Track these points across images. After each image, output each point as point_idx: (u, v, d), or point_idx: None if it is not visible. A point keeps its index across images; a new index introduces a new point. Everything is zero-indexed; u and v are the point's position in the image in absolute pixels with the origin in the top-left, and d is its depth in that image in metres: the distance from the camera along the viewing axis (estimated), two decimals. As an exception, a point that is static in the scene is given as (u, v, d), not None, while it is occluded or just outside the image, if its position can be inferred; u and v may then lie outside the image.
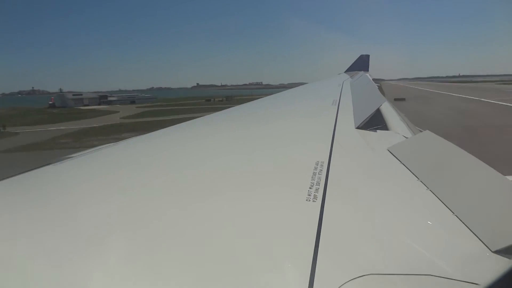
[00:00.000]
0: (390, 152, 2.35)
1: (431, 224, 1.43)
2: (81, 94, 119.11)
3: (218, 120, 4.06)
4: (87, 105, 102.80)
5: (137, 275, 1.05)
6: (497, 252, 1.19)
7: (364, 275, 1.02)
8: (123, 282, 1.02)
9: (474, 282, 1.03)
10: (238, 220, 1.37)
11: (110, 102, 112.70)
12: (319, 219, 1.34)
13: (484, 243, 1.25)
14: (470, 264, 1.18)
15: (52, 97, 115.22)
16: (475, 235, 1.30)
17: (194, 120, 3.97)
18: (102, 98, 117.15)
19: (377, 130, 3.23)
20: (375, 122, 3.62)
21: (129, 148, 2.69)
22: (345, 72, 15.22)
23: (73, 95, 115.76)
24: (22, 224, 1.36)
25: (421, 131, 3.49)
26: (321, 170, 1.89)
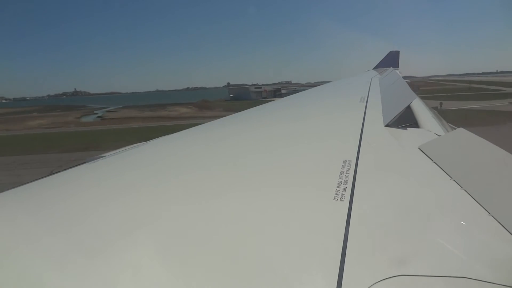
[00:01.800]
0: (421, 150, 2.23)
1: (465, 224, 1.35)
2: (261, 87, 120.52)
3: (247, 119, 4.03)
4: (265, 98, 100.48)
5: (170, 273, 1.03)
6: None
7: (394, 276, 0.99)
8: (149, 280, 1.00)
9: (510, 286, 0.98)
10: (265, 219, 1.33)
11: (282, 95, 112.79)
12: (347, 219, 1.30)
13: None
14: (507, 267, 1.10)
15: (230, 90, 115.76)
16: None
17: (221, 119, 3.97)
18: (277, 91, 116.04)
19: (408, 128, 3.07)
20: (405, 119, 3.46)
21: (158, 148, 2.70)
22: (373, 69, 14.64)
23: (255, 88, 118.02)
24: (54, 220, 1.36)
25: (454, 129, 3.27)
26: (348, 169, 1.82)
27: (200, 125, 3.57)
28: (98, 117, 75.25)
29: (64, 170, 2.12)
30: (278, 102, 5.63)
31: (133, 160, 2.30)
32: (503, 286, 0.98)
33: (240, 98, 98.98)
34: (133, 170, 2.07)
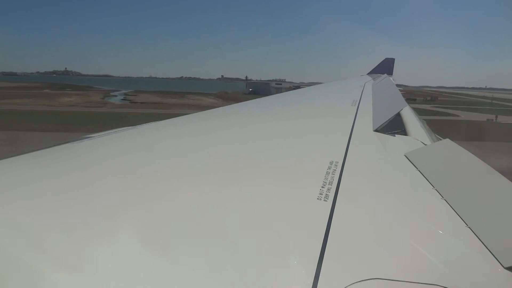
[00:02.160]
0: (407, 157, 2.25)
1: (442, 233, 1.37)
2: (281, 84, 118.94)
3: (237, 114, 3.98)
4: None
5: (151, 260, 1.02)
6: (510, 268, 1.13)
7: (369, 279, 0.99)
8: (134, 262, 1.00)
9: None
10: (246, 216, 1.33)
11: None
12: (328, 218, 1.30)
13: (496, 258, 1.18)
14: (479, 278, 1.12)
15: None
16: (488, 249, 1.23)
17: (209, 110, 3.91)
18: (295, 88, 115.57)
19: (396, 135, 3.09)
20: (394, 126, 3.48)
21: (150, 132, 2.65)
22: (368, 74, 14.73)
23: (276, 84, 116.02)
24: (36, 197, 1.34)
25: (440, 139, 3.31)
26: (334, 170, 1.83)
27: (188, 115, 3.52)
28: (123, 99, 74.43)
29: (47, 147, 2.05)
30: (269, 100, 5.59)
31: (118, 143, 2.25)
32: None
33: (260, 93, 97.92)
34: (116, 153, 2.02)
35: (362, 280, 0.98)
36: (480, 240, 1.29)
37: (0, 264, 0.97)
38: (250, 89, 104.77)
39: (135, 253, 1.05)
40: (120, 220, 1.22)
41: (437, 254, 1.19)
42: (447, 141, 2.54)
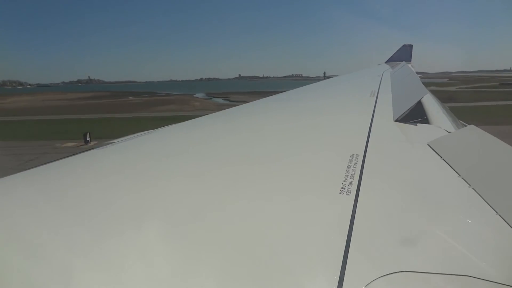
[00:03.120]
0: (431, 147, 2.17)
1: (471, 223, 1.32)
2: None
3: (256, 111, 3.96)
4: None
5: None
6: None
7: (397, 272, 0.97)
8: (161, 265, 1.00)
9: None
10: (270, 212, 1.31)
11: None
12: (352, 213, 1.27)
13: None
14: (510, 266, 1.07)
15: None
16: None
17: (231, 109, 3.91)
18: None
19: (418, 124, 2.98)
20: (415, 115, 3.37)
21: (166, 137, 2.67)
22: (385, 62, 14.25)
23: None
24: (61, 204, 1.37)
25: (465, 126, 3.16)
26: (356, 163, 1.79)
27: (210, 115, 3.53)
28: (224, 100, 73.65)
29: (72, 155, 2.11)
30: (287, 95, 5.53)
31: (141, 148, 2.28)
32: (505, 286, 0.95)
33: None
34: (140, 158, 2.04)
35: (389, 274, 0.95)
36: None
37: (19, 267, 0.99)
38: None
39: (161, 254, 1.05)
40: (143, 223, 1.22)
41: (466, 244, 1.15)
42: (472, 127, 2.45)
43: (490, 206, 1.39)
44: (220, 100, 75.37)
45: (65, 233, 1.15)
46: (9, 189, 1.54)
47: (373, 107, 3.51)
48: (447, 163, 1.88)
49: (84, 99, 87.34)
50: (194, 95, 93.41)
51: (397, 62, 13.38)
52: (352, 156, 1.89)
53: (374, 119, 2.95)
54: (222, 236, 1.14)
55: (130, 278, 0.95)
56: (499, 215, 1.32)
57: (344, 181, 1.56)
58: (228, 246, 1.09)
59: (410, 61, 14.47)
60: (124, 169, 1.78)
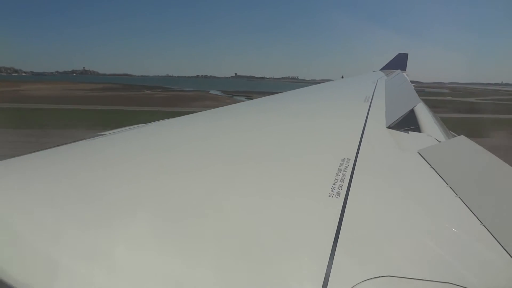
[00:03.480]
0: (421, 155, 2.19)
1: (456, 231, 1.33)
2: None
3: (249, 112, 3.92)
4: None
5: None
6: None
7: (381, 276, 0.97)
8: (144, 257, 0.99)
9: None
10: (257, 213, 1.30)
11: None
12: (340, 216, 1.27)
13: (511, 256, 1.15)
14: (494, 276, 1.09)
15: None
16: (502, 247, 1.20)
17: (219, 108, 3.86)
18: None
19: (409, 131, 3.01)
20: (407, 122, 3.40)
21: (163, 130, 2.64)
22: (381, 69, 14.36)
23: None
24: (48, 195, 1.33)
25: (455, 136, 3.21)
26: (346, 167, 1.79)
27: (203, 112, 3.50)
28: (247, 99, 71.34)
29: (60, 146, 2.06)
30: (281, 97, 5.53)
31: (132, 141, 2.24)
32: None
33: None
34: (129, 151, 2.01)
35: (374, 278, 0.96)
36: (495, 239, 1.25)
37: (11, 258, 0.97)
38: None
39: (151, 249, 1.04)
40: (132, 217, 1.20)
41: (450, 252, 1.16)
42: (461, 138, 2.46)
43: (476, 216, 1.41)
44: (243, 99, 74.21)
45: (48, 227, 1.12)
46: None
47: (366, 113, 3.52)
48: (436, 172, 1.89)
49: (101, 90, 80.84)
50: (210, 92, 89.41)
51: (392, 70, 13.49)
52: (343, 160, 1.89)
53: (367, 124, 2.96)
54: (210, 235, 1.13)
55: (119, 274, 0.94)
56: (484, 225, 1.34)
57: (334, 184, 1.56)
58: (215, 245, 1.08)
59: (405, 69, 14.60)
60: (114, 162, 1.75)
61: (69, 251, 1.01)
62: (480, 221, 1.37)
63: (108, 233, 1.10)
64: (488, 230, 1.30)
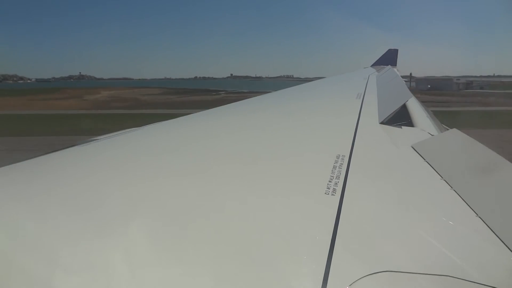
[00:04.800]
0: (414, 149, 2.15)
1: (452, 224, 1.32)
2: (459, 79, 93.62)
3: (242, 111, 3.87)
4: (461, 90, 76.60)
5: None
6: None
7: (380, 272, 0.96)
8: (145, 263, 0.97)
9: (493, 286, 0.95)
10: (254, 212, 1.28)
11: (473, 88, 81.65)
12: (337, 213, 1.25)
13: (507, 247, 1.14)
14: (491, 267, 1.08)
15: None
16: (499, 238, 1.19)
17: (215, 108, 3.81)
18: (469, 84, 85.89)
19: (402, 127, 2.96)
20: (400, 118, 3.35)
21: (157, 133, 2.57)
22: (371, 66, 14.31)
23: (456, 79, 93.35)
24: (43, 202, 1.30)
25: (447, 129, 3.17)
26: (341, 163, 1.75)
27: (195, 113, 3.45)
28: None
29: (54, 151, 2.01)
30: (273, 95, 5.47)
31: (126, 145, 2.18)
32: (484, 286, 0.95)
33: (441, 89, 72.90)
34: (124, 155, 1.95)
35: (373, 273, 0.95)
36: (491, 230, 1.24)
37: (7, 268, 0.94)
38: (429, 86, 76.15)
39: (150, 254, 1.01)
40: (130, 222, 1.18)
41: (447, 245, 1.15)
42: (454, 131, 2.42)
43: (471, 208, 1.39)
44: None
45: (42, 233, 1.09)
46: None
47: (359, 109, 3.47)
48: (430, 165, 1.87)
49: (172, 94, 76.83)
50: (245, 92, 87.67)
51: (382, 66, 13.44)
52: (338, 156, 1.86)
53: (360, 120, 2.91)
54: (207, 235, 1.11)
55: (119, 278, 0.92)
56: (479, 217, 1.33)
57: (330, 181, 1.53)
58: (211, 244, 1.06)
59: (395, 65, 14.57)
60: (108, 166, 1.71)
61: (69, 258, 0.98)
62: (476, 213, 1.35)
63: (108, 239, 1.07)
64: (484, 222, 1.29)
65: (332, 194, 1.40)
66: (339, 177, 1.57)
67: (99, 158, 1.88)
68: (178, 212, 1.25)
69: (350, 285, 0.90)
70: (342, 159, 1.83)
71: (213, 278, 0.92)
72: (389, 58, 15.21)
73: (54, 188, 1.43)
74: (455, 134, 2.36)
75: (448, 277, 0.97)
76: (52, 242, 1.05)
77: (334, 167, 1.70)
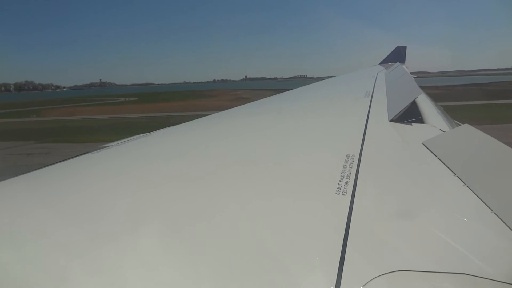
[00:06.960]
0: (425, 146, 2.05)
1: (467, 221, 1.26)
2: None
3: (252, 112, 3.82)
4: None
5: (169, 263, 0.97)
6: None
7: (394, 271, 0.92)
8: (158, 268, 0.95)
9: (510, 283, 0.90)
10: (266, 213, 1.24)
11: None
12: (348, 213, 1.20)
13: None
14: (508, 264, 1.02)
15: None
16: None
17: (226, 111, 3.77)
18: None
19: (412, 123, 2.83)
20: (410, 114, 3.22)
21: (161, 140, 2.53)
22: (380, 64, 13.88)
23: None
24: (57, 211, 1.28)
25: (459, 125, 3.00)
26: (351, 163, 1.70)
27: (203, 117, 3.43)
28: None
29: (66, 160, 1.99)
30: (282, 96, 5.38)
31: (136, 151, 2.15)
32: (502, 283, 0.91)
33: None
34: (135, 161, 1.93)
35: (387, 273, 0.91)
36: (508, 226, 1.18)
37: (15, 271, 0.94)
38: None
39: (157, 258, 1.00)
40: (143, 228, 1.15)
41: (463, 242, 1.09)
42: (466, 126, 2.28)
43: (486, 204, 1.33)
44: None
45: (59, 239, 1.09)
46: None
47: (368, 108, 3.34)
48: (442, 162, 1.78)
49: (265, 91, 70.88)
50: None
51: (391, 63, 13.03)
52: (348, 156, 1.79)
53: (369, 119, 2.80)
54: (219, 237, 1.08)
55: (128, 282, 0.91)
56: (494, 213, 1.27)
57: (340, 181, 1.48)
58: (224, 247, 1.03)
59: (404, 62, 14.04)
60: (120, 173, 1.68)
61: (77, 263, 0.97)
62: (491, 209, 1.29)
63: (121, 245, 1.05)
64: (499, 218, 1.23)
65: (343, 194, 1.35)
66: (349, 177, 1.52)
67: (110, 165, 1.87)
68: (187, 216, 1.23)
69: (363, 285, 0.87)
70: (352, 158, 1.75)
71: (224, 281, 0.91)
72: (398, 55, 14.70)
73: (67, 197, 1.41)
74: (467, 130, 2.23)
75: (464, 275, 0.92)
76: (65, 248, 1.04)
77: (344, 166, 1.64)
